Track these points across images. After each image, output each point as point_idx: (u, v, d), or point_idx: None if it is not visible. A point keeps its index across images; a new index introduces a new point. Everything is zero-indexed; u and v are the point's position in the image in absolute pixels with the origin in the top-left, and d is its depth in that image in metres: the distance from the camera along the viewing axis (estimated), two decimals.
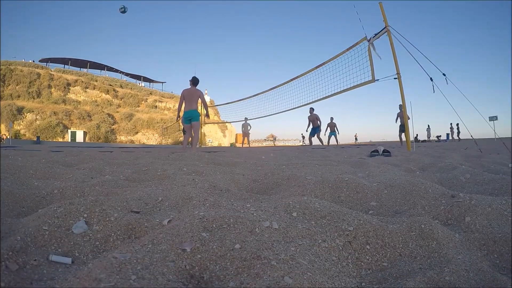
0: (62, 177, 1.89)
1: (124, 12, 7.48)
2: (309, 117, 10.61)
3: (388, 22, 5.65)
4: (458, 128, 20.82)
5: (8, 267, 0.64)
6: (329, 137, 11.93)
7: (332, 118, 12.03)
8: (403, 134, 10.65)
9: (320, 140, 11.53)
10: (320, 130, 10.65)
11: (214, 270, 0.66)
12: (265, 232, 0.81)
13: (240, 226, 0.83)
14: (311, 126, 10.68)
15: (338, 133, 11.98)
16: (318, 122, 10.51)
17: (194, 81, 5.69)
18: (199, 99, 5.70)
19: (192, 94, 5.63)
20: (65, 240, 0.83)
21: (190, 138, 5.74)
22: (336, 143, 12.29)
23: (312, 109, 10.52)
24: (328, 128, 11.94)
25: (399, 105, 10.69)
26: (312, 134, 10.68)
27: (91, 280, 0.54)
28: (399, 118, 10.60)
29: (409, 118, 6.78)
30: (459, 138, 20.61)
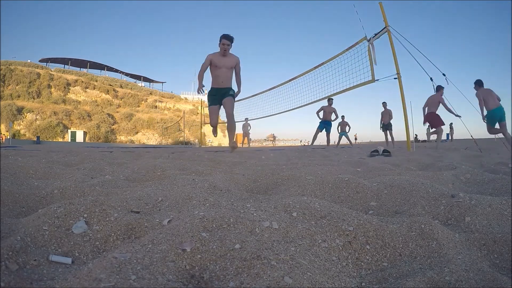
0: (62, 177, 1.89)
1: None
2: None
3: (388, 22, 5.66)
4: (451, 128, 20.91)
5: (8, 267, 0.64)
6: (340, 137, 11.21)
7: (343, 117, 11.20)
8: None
9: (349, 140, 11.15)
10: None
11: (214, 270, 0.66)
12: (265, 232, 0.81)
13: (240, 226, 0.83)
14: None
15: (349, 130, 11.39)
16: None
17: None
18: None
19: None
20: (65, 240, 0.83)
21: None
22: (350, 143, 11.74)
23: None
24: (339, 127, 11.17)
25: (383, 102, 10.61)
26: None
27: (91, 280, 0.54)
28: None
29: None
30: (450, 138, 20.82)
